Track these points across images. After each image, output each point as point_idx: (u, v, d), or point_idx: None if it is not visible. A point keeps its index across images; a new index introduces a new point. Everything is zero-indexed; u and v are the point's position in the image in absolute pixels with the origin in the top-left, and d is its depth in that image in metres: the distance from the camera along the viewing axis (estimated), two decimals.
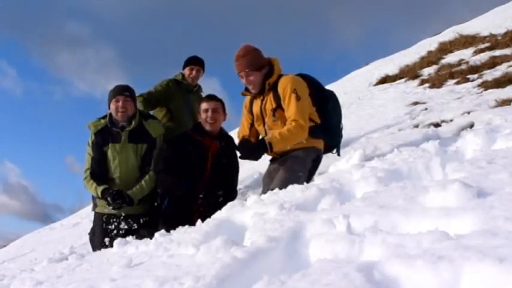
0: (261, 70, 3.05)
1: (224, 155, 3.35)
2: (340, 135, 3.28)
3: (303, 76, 3.13)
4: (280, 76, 3.07)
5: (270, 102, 3.05)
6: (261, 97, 3.11)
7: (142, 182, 3.40)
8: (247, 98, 3.27)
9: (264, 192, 3.04)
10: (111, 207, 3.33)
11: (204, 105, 3.38)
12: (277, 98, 3.01)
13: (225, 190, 3.30)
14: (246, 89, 3.19)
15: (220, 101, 3.44)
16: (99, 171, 3.45)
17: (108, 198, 3.30)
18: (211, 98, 3.45)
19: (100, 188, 3.36)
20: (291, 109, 2.93)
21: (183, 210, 3.22)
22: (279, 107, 3.01)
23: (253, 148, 2.98)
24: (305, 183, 2.42)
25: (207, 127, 3.34)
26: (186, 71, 4.33)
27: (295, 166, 2.93)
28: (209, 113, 3.32)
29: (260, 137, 2.91)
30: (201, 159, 3.29)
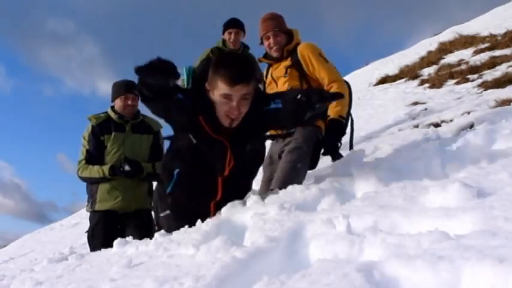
0: (285, 34, 3.08)
1: (246, 140, 2.31)
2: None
3: None
4: (297, 45, 3.07)
5: (284, 63, 3.05)
6: (279, 64, 3.11)
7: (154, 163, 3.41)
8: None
9: (264, 179, 3.03)
10: (122, 174, 3.28)
11: (225, 90, 2.07)
12: (294, 59, 3.00)
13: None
14: (265, 56, 3.19)
15: (251, 81, 2.12)
16: (95, 160, 3.39)
17: (123, 164, 3.26)
18: (238, 81, 2.05)
19: (106, 166, 3.32)
20: (323, 71, 2.94)
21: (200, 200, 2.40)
22: (293, 66, 3.01)
23: (333, 135, 2.88)
24: (304, 184, 2.42)
25: (226, 123, 2.20)
26: (226, 36, 4.24)
27: (293, 157, 2.85)
28: (234, 103, 2.09)
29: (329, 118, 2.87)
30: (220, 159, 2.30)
